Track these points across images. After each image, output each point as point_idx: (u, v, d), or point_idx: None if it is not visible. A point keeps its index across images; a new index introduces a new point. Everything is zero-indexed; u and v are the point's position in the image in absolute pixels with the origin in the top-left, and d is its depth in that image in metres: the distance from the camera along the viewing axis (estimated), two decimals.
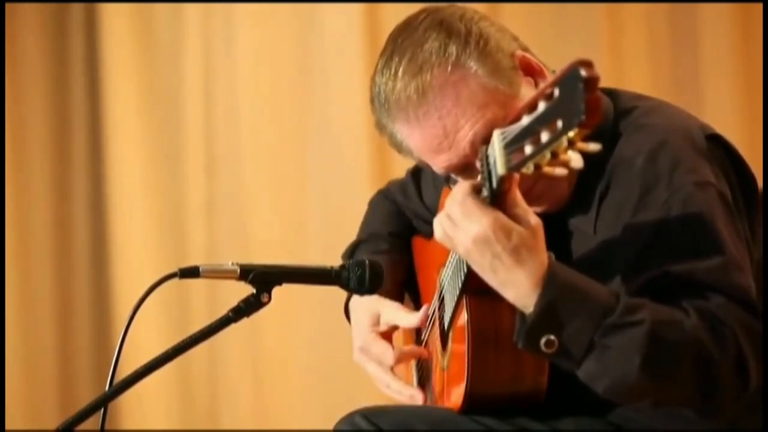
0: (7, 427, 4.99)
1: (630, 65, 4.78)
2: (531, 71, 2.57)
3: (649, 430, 2.53)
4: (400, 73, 2.53)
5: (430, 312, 2.82)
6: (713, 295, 2.35)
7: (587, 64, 2.08)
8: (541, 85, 2.36)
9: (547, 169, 2.16)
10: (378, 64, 2.59)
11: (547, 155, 2.13)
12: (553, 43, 4.74)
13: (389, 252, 3.02)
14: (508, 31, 2.60)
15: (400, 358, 2.86)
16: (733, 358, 2.32)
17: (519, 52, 2.57)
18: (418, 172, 3.11)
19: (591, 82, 2.07)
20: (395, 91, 2.54)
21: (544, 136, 2.13)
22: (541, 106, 2.14)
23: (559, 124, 2.10)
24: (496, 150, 2.24)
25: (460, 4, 2.61)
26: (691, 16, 4.85)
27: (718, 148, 2.53)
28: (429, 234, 2.98)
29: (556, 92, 2.11)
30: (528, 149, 2.16)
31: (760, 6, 4.66)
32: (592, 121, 2.07)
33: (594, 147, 2.12)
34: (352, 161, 5.04)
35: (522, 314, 2.33)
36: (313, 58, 5.11)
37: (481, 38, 2.53)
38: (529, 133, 2.16)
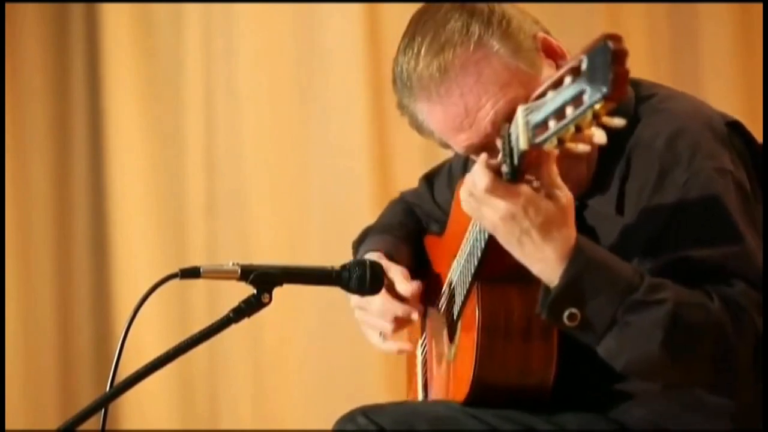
0: (8, 427, 4.99)
1: (630, 65, 4.77)
2: (553, 54, 2.57)
3: (653, 429, 2.53)
4: (422, 52, 2.53)
5: (440, 304, 2.82)
6: (735, 280, 2.37)
7: (616, 38, 2.08)
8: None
9: (570, 145, 2.16)
10: (400, 45, 2.59)
11: (572, 129, 2.13)
12: None
13: (400, 227, 3.02)
14: (530, 14, 2.60)
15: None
16: (752, 344, 2.34)
17: (541, 34, 2.57)
18: (431, 177, 3.12)
19: (619, 54, 2.07)
20: (417, 69, 2.54)
21: (569, 111, 2.12)
22: (567, 81, 2.14)
23: (586, 98, 2.09)
24: (519, 126, 2.24)
25: None
26: (691, 16, 4.85)
27: (737, 135, 2.54)
28: (440, 233, 2.98)
29: (584, 66, 2.11)
30: (552, 124, 2.16)
31: (760, 6, 4.66)
32: (618, 94, 2.07)
33: (619, 122, 2.13)
34: (352, 161, 5.04)
35: (546, 287, 2.34)
36: (313, 58, 5.11)
37: (504, 18, 2.54)
38: (555, 108, 2.15)
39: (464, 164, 2.93)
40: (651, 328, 2.30)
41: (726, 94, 4.77)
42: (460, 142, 2.57)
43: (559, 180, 2.33)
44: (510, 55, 2.52)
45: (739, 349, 2.33)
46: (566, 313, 2.32)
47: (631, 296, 2.31)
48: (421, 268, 2.94)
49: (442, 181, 3.08)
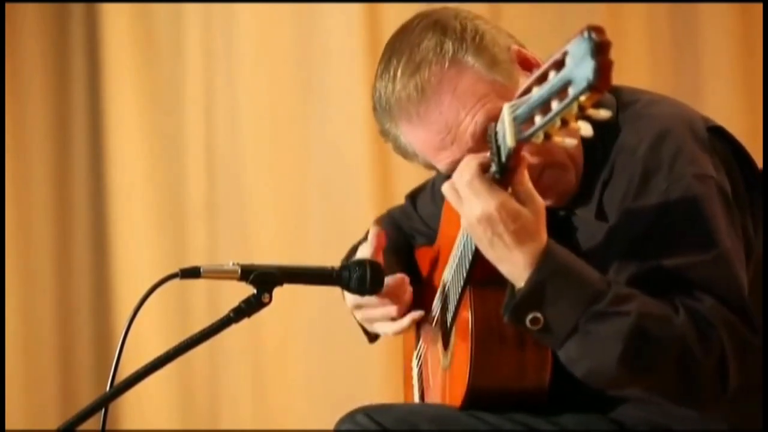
0: (7, 427, 4.99)
1: (630, 65, 4.78)
2: (528, 66, 2.57)
3: (653, 428, 2.53)
4: (398, 74, 2.54)
5: (433, 314, 2.81)
6: (704, 295, 2.36)
7: (598, 30, 2.08)
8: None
9: (557, 139, 2.17)
10: (377, 70, 2.60)
11: (558, 123, 2.13)
12: (553, 43, 4.72)
13: (387, 240, 3.02)
14: (504, 29, 2.61)
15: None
16: (716, 361, 2.34)
17: (515, 47, 2.58)
18: (415, 195, 3.13)
19: (602, 45, 2.07)
20: (395, 92, 2.54)
21: (555, 104, 2.13)
22: (552, 75, 2.14)
23: (570, 90, 2.10)
24: (506, 123, 2.24)
25: (453, 6, 2.61)
26: (691, 16, 4.85)
27: (720, 140, 2.54)
28: (430, 244, 2.98)
29: (567, 60, 2.11)
30: (538, 119, 2.16)
31: (760, 6, 4.66)
32: (603, 85, 2.06)
33: (605, 113, 2.13)
34: (352, 161, 5.04)
35: (512, 288, 2.35)
36: (313, 58, 5.11)
37: (477, 34, 2.54)
38: (540, 103, 2.16)
39: (446, 179, 2.92)
40: (611, 340, 2.30)
41: (726, 94, 4.77)
42: (444, 160, 2.57)
43: (531, 186, 2.34)
44: (486, 68, 2.52)
45: (702, 364, 2.32)
46: (529, 317, 2.33)
47: (595, 306, 2.31)
48: (412, 280, 2.94)
49: (425, 196, 3.08)
